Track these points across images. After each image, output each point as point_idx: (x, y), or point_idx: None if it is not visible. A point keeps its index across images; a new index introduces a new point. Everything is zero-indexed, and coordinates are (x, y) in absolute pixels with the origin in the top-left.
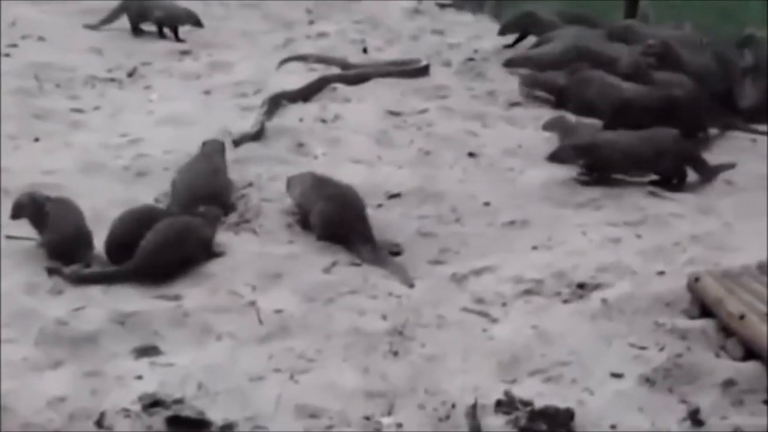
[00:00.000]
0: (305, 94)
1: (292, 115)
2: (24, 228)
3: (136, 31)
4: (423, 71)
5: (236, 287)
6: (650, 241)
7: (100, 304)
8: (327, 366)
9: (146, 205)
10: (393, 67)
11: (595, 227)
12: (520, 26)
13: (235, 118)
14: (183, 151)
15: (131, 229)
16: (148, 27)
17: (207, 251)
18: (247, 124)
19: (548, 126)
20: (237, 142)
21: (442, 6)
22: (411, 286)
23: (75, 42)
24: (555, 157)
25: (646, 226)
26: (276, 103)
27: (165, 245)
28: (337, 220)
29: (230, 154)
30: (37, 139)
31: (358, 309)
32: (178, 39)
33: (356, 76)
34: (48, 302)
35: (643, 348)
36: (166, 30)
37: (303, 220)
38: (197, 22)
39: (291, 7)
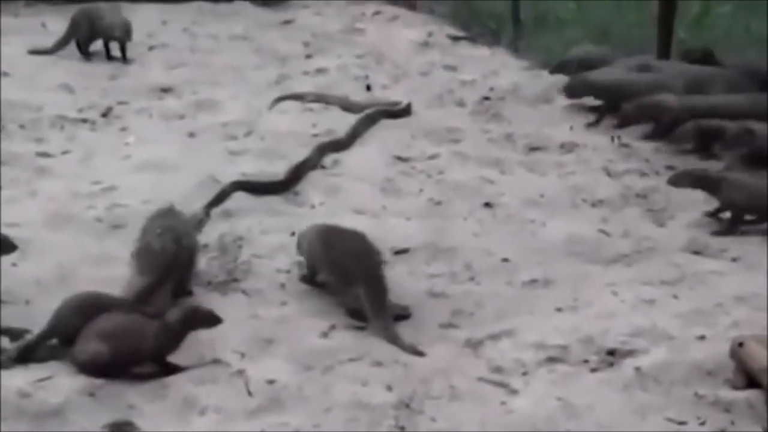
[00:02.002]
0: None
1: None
2: None
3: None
4: (405, 111)
5: (222, 354)
6: (689, 303)
7: (67, 374)
8: None
9: (93, 293)
10: (374, 111)
11: (627, 286)
12: None
13: (223, 163)
14: (164, 200)
15: (75, 322)
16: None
17: (158, 361)
18: (236, 169)
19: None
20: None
21: (455, 39)
22: (422, 354)
23: (42, 78)
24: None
25: (683, 286)
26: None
27: (104, 345)
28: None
29: (218, 206)
30: None
31: (360, 378)
32: (124, 58)
33: (347, 141)
34: (9, 371)
35: (682, 423)
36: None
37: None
38: (127, 34)
39: (286, 40)
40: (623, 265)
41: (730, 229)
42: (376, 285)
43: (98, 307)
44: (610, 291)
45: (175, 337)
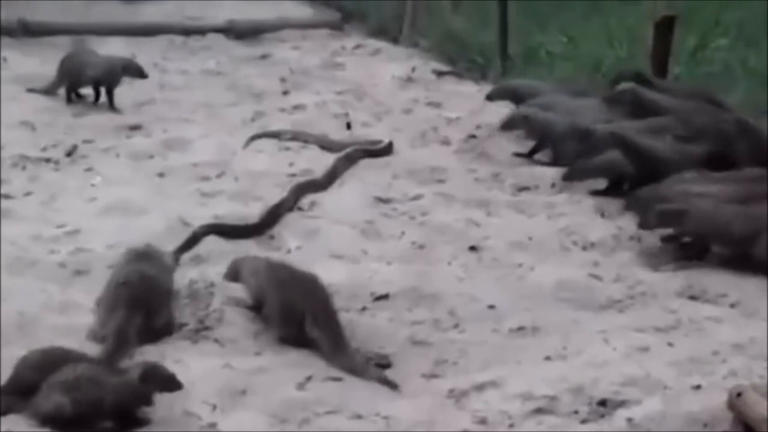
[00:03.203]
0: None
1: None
2: None
3: (71, 97)
4: (386, 150)
5: (193, 406)
6: (684, 350)
7: (28, 427)
8: None
9: (54, 348)
10: (353, 150)
11: (619, 334)
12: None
13: (195, 205)
14: (131, 245)
15: (35, 378)
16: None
17: (121, 416)
18: (208, 211)
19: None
20: None
21: (440, 74)
22: (395, 387)
23: (3, 114)
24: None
25: (678, 333)
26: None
27: (66, 397)
28: (298, 313)
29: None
30: None
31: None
32: (111, 105)
33: (325, 181)
34: None
35: None
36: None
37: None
38: (140, 72)
39: (262, 76)
40: (615, 312)
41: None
42: (329, 319)
43: (59, 363)
44: (602, 338)
45: (138, 394)
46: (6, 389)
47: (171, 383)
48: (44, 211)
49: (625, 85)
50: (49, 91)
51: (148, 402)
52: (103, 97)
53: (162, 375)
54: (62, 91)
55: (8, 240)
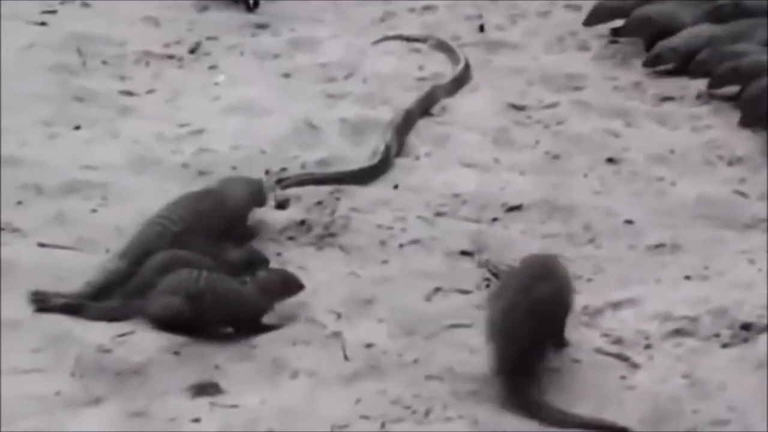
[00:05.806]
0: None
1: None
2: (59, 236)
3: None
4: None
5: (317, 315)
6: None
7: (150, 330)
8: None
9: (180, 251)
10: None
11: (765, 254)
12: None
13: (321, 106)
14: (255, 146)
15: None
16: None
17: (250, 323)
18: (335, 114)
19: None
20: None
21: None
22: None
23: (126, 9)
24: None
25: None
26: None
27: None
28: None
29: (314, 153)
30: (78, 127)
31: (466, 346)
32: (257, 5)
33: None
34: (88, 325)
35: None
36: None
37: None
38: None
39: None
40: (761, 231)
41: None
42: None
43: (182, 267)
44: (746, 259)
45: (269, 300)
46: (128, 291)
47: (293, 287)
48: (167, 109)
49: None
50: None
51: (266, 311)
52: None
53: (284, 281)
54: None
55: (131, 138)
